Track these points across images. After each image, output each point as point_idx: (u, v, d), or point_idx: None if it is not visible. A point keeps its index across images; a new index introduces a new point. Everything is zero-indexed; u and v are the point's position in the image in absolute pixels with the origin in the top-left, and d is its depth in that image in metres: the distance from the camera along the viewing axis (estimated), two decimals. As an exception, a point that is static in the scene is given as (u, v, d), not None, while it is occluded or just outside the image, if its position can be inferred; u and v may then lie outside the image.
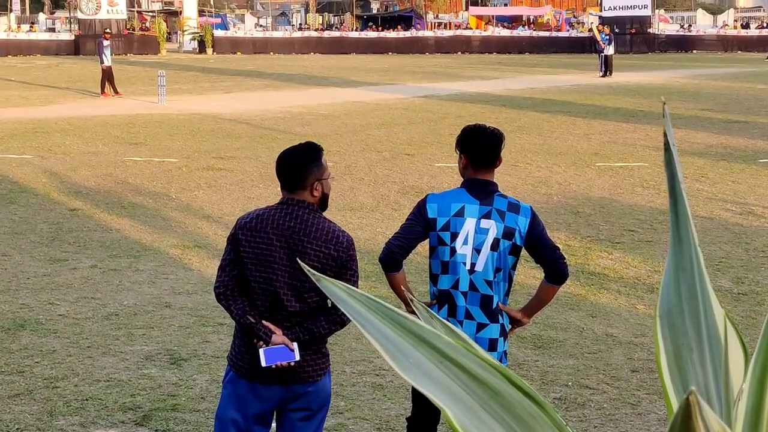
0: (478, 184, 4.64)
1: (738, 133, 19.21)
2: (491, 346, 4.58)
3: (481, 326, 4.57)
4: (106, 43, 29.66)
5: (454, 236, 4.55)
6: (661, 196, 12.63)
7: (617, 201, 12.56)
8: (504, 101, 26.98)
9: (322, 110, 24.52)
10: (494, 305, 4.58)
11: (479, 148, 4.65)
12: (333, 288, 1.58)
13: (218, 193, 12.92)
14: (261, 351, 4.13)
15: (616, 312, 7.88)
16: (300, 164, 4.28)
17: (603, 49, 37.68)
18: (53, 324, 7.51)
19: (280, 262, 4.17)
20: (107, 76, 28.67)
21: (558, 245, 4.73)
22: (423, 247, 4.81)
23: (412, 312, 4.74)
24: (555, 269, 4.59)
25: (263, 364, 4.12)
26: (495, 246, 4.52)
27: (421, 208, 4.68)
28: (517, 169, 14.85)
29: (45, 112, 23.86)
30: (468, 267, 4.54)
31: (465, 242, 4.53)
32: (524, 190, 13.26)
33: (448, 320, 4.41)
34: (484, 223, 4.54)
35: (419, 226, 4.65)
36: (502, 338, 4.65)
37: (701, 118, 22.02)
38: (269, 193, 12.86)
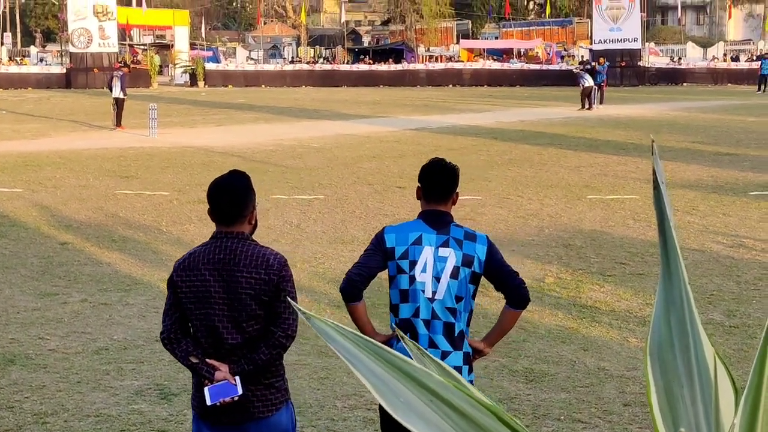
0: (434, 214, 4.69)
1: (728, 166, 19.28)
2: None
3: (445, 354, 4.57)
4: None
5: (412, 264, 4.58)
6: (652, 229, 12.65)
7: (608, 234, 12.57)
8: (495, 134, 27.06)
9: (314, 143, 24.54)
10: (456, 333, 4.59)
11: (432, 180, 4.73)
12: (322, 326, 1.57)
13: (209, 226, 12.78)
14: (206, 390, 4.14)
15: (608, 345, 7.87)
16: (240, 195, 4.31)
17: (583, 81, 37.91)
18: (43, 359, 7.47)
19: (216, 296, 4.17)
20: (122, 107, 28.91)
21: (517, 270, 4.76)
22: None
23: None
24: (517, 294, 4.63)
25: (208, 402, 4.12)
26: (455, 274, 4.55)
27: (379, 238, 4.72)
28: (508, 202, 14.87)
29: (36, 145, 23.86)
30: (428, 295, 4.56)
31: (424, 270, 4.56)
32: (515, 223, 13.28)
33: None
34: (443, 252, 4.57)
35: (378, 255, 4.67)
36: (467, 366, 4.65)
37: (692, 151, 22.10)
38: (260, 226, 12.82)
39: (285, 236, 12.29)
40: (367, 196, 15.64)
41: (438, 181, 4.72)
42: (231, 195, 4.29)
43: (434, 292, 4.55)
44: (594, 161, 20.34)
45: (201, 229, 12.63)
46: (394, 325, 4.70)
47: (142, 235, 12.45)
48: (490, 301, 8.27)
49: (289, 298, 4.12)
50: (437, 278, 4.55)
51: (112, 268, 10.62)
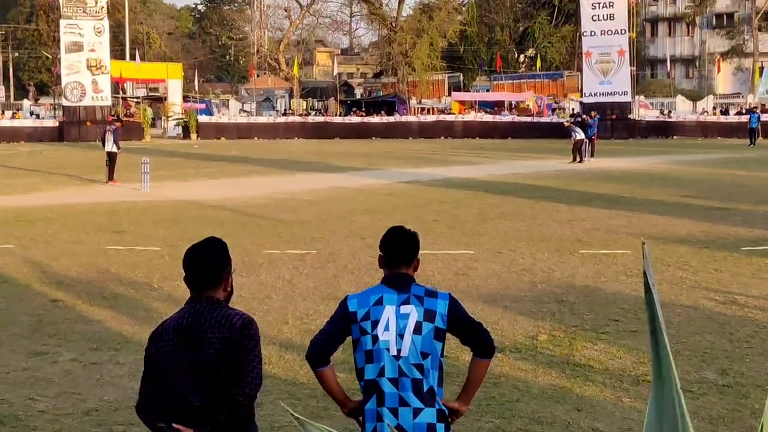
0: (395, 277, 4.75)
1: (720, 220, 19.30)
2: (429, 431, 4.58)
3: (416, 411, 4.56)
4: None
5: (375, 324, 4.61)
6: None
7: (601, 289, 12.55)
8: (487, 186, 27.14)
9: (306, 196, 24.61)
10: (425, 389, 4.57)
11: (393, 248, 4.82)
12: None
13: (201, 282, 12.84)
14: None
15: (602, 405, 7.82)
16: (215, 262, 4.36)
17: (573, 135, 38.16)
18: (32, 420, 7.41)
19: (183, 360, 4.21)
20: (115, 161, 28.96)
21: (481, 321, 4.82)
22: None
23: (349, 415, 4.78)
24: (482, 342, 4.70)
25: None
26: (418, 329, 4.57)
27: (342, 305, 4.77)
28: (501, 256, 14.85)
29: (28, 200, 23.86)
30: (393, 353, 4.57)
31: (386, 328, 4.59)
32: (508, 278, 13.26)
33: (378, 411, 4.53)
34: (404, 309, 4.61)
35: (341, 321, 4.71)
36: (442, 425, 4.62)
37: (683, 205, 22.16)
38: (252, 281, 12.83)
39: (277, 292, 12.26)
40: (360, 250, 15.62)
41: (399, 248, 4.81)
42: (205, 262, 4.35)
43: (399, 350, 4.56)
44: (586, 215, 20.37)
45: (193, 286, 12.57)
46: (361, 389, 4.70)
47: (134, 291, 12.40)
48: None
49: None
50: (401, 335, 4.57)
51: (103, 326, 10.57)
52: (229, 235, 17.16)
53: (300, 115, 72.23)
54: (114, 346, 9.70)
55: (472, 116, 69.07)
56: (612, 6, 62.63)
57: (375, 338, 4.59)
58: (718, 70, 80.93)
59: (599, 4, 63.00)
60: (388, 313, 4.60)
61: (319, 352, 4.68)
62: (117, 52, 75.55)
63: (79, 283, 12.91)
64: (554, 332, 10.21)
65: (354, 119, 69.43)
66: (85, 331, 10.30)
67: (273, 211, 21.16)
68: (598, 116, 45.39)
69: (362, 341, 4.63)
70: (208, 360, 4.18)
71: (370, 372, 4.61)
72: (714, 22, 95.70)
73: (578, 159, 37.58)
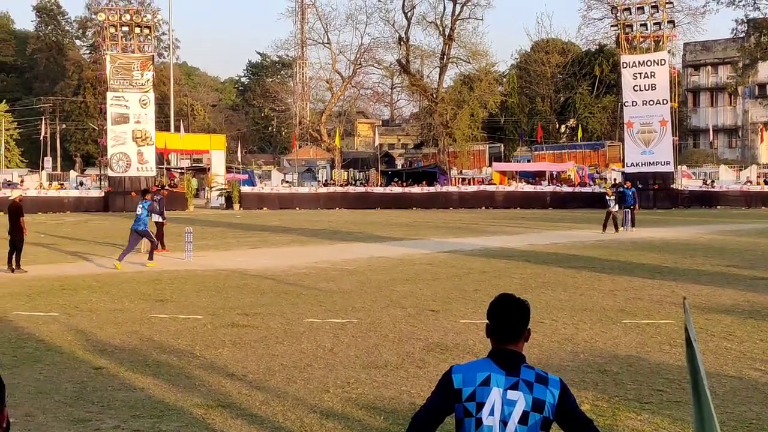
0: (504, 354, 4.49)
1: (765, 290, 19.08)
2: None
3: None
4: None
5: (479, 407, 4.36)
6: (688, 355, 12.44)
7: (644, 359, 12.41)
8: (528, 256, 27.05)
9: (347, 265, 24.65)
10: None
11: (500, 319, 4.54)
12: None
13: (243, 350, 12.90)
14: None
15: (647, 476, 7.71)
16: None
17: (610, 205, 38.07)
18: (74, 487, 7.42)
19: None
20: (162, 230, 29.36)
21: (591, 418, 4.57)
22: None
23: None
24: None
25: None
26: (524, 419, 4.32)
27: (446, 379, 4.50)
28: (542, 326, 14.76)
29: (73, 268, 24.13)
30: None
31: (491, 413, 4.34)
32: (550, 348, 13.16)
33: None
34: (512, 395, 4.36)
35: (445, 398, 4.45)
36: None
37: (727, 275, 21.94)
38: (293, 350, 12.83)
39: (318, 361, 12.25)
40: (401, 319, 15.60)
41: (507, 320, 4.52)
42: None
43: None
44: (629, 285, 20.22)
45: (234, 354, 12.63)
46: None
47: (176, 359, 12.45)
48: None
49: None
50: (504, 422, 4.33)
51: (146, 393, 10.60)
52: (270, 303, 17.27)
53: (341, 185, 72.73)
54: (156, 413, 9.72)
55: (512, 186, 69.23)
56: (654, 76, 62.93)
57: (479, 422, 4.34)
58: (761, 140, 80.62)
59: (641, 74, 63.33)
60: (495, 396, 4.36)
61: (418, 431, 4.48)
62: (162, 124, 76.94)
63: (122, 351, 12.99)
64: (597, 402, 10.10)
65: (395, 189, 69.86)
66: (128, 399, 10.33)
67: (314, 281, 21.21)
68: (633, 187, 44.91)
69: (465, 423, 4.39)
70: None
71: None
72: (756, 92, 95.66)
73: (615, 229, 37.48)
